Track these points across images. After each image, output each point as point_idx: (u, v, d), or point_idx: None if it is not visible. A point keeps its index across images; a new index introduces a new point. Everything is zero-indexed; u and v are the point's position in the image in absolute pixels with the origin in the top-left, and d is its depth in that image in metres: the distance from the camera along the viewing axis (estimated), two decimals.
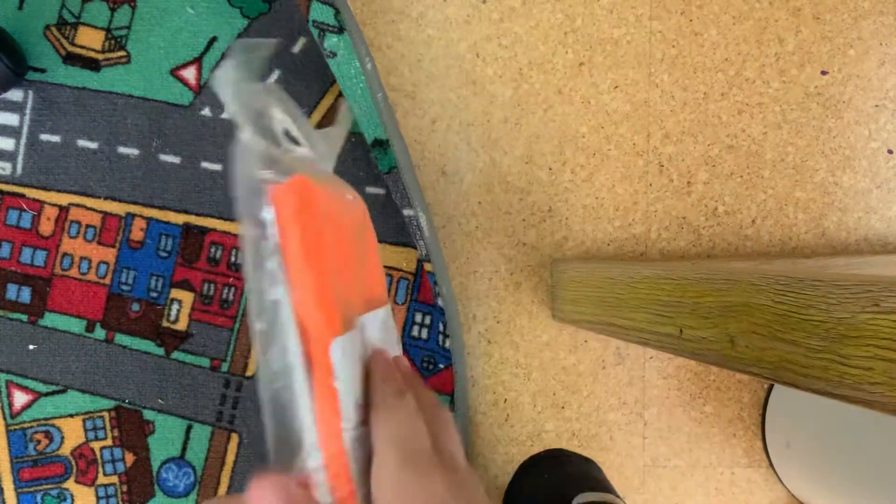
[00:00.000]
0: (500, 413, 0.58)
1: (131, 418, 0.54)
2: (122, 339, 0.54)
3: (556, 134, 0.57)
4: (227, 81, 0.23)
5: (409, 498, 0.23)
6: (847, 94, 0.59)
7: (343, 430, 0.24)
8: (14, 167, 0.53)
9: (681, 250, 0.59)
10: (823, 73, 0.59)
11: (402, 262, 0.55)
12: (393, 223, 0.55)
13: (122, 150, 0.54)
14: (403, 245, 0.55)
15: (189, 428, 0.54)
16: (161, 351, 0.54)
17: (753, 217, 0.59)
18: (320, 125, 0.55)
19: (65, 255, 0.54)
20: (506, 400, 0.58)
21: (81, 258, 0.54)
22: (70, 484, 0.54)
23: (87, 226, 0.54)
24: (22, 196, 0.53)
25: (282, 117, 0.24)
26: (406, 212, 0.52)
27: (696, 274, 0.36)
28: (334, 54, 0.49)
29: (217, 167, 0.54)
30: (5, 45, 0.50)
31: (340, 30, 0.49)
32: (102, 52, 0.54)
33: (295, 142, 0.25)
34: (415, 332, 0.55)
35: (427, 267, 0.53)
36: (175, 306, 0.54)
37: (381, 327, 0.27)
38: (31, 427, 0.54)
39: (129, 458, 0.54)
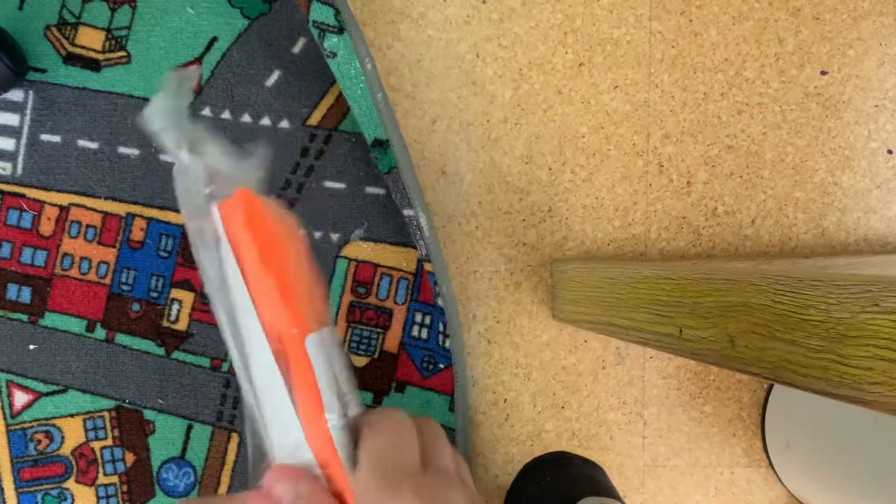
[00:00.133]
0: (500, 413, 0.58)
1: (132, 418, 0.54)
2: (122, 338, 0.54)
3: (556, 134, 0.57)
4: (161, 111, 0.24)
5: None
6: (847, 95, 0.59)
7: (328, 419, 0.24)
8: (14, 167, 0.53)
9: (681, 250, 0.59)
10: (823, 73, 0.59)
11: (402, 262, 0.55)
12: (393, 223, 0.55)
13: (123, 150, 0.54)
14: (403, 245, 0.55)
15: (189, 428, 0.54)
16: (161, 351, 0.54)
17: (753, 217, 0.59)
18: (321, 125, 0.55)
19: (65, 255, 0.54)
20: (506, 400, 0.58)
21: (82, 258, 0.54)
22: (70, 484, 0.54)
23: (88, 226, 0.54)
24: (22, 196, 0.54)
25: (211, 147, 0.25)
26: (406, 212, 0.52)
27: (695, 274, 0.36)
28: (334, 54, 0.49)
29: None
30: (5, 45, 0.50)
31: (340, 30, 0.49)
32: (103, 52, 0.54)
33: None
34: (415, 332, 0.55)
35: (427, 267, 0.53)
36: (175, 306, 0.54)
37: (334, 343, 0.27)
38: (32, 427, 0.54)
39: (130, 457, 0.54)
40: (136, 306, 0.54)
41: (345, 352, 0.26)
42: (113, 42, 0.54)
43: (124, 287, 0.54)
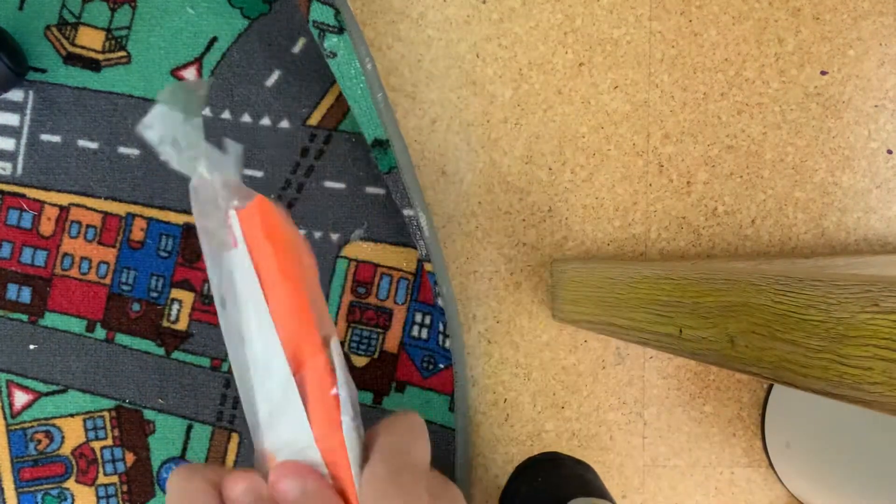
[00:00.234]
0: (500, 413, 0.58)
1: (132, 418, 0.54)
2: (122, 338, 0.54)
3: (556, 134, 0.57)
4: (162, 123, 0.23)
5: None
6: (846, 95, 0.59)
7: (343, 420, 0.24)
8: (14, 167, 0.53)
9: (680, 250, 0.59)
10: (823, 73, 0.59)
11: (402, 262, 0.55)
12: (393, 223, 0.55)
13: (123, 150, 0.54)
14: (403, 245, 0.55)
15: (189, 428, 0.54)
16: (161, 351, 0.54)
17: (753, 217, 0.59)
18: (321, 125, 0.55)
19: (65, 255, 0.54)
20: (506, 400, 0.58)
21: (82, 258, 0.54)
22: (70, 484, 0.54)
23: (88, 226, 0.54)
24: (22, 196, 0.54)
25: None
26: (406, 212, 0.52)
27: (695, 274, 0.36)
28: (334, 54, 0.49)
29: None
30: (6, 45, 0.50)
31: (340, 30, 0.49)
32: (103, 52, 0.54)
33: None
34: (415, 332, 0.55)
35: (427, 267, 0.53)
36: (175, 306, 0.54)
37: (340, 358, 0.27)
38: (32, 427, 0.54)
39: (130, 457, 0.54)
40: (136, 306, 0.54)
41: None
42: (113, 42, 0.54)
43: (124, 287, 0.54)
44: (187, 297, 0.54)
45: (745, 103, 0.59)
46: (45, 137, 0.54)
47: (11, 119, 0.53)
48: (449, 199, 0.57)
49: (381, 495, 0.23)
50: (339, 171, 0.55)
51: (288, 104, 0.55)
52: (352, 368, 0.55)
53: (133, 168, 0.54)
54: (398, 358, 0.55)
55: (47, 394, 0.54)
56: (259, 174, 0.54)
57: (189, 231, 0.54)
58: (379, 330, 0.55)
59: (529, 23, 0.57)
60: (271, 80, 0.54)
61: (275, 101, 0.54)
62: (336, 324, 0.55)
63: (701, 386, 0.59)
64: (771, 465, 0.59)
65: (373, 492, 0.24)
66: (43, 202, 0.54)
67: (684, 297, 0.36)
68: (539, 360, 0.58)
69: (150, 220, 0.54)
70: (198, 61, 0.54)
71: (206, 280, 0.54)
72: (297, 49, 0.54)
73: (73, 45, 0.53)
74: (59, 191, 0.54)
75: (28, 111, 0.53)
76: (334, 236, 0.55)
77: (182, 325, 0.54)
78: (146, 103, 0.54)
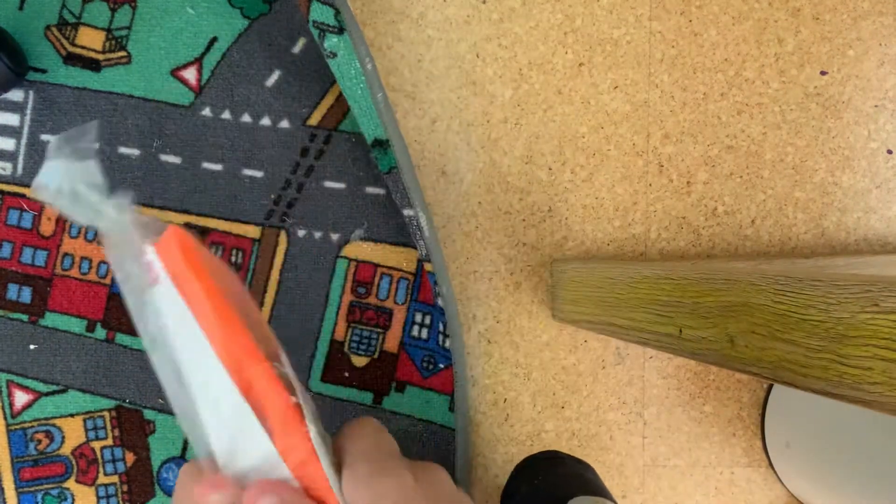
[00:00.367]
0: (500, 413, 0.58)
1: (132, 418, 0.54)
2: (122, 338, 0.54)
3: (556, 134, 0.57)
4: (57, 177, 0.23)
5: (383, 494, 0.24)
6: (846, 95, 0.59)
7: (309, 430, 0.24)
8: (15, 167, 0.53)
9: (680, 250, 0.59)
10: (823, 73, 0.59)
11: (402, 262, 0.55)
12: (393, 223, 0.55)
13: (123, 150, 0.54)
14: (403, 245, 0.55)
15: None
16: None
17: (753, 217, 0.59)
18: (321, 125, 0.55)
19: (65, 255, 0.54)
20: (506, 400, 0.58)
21: (82, 258, 0.54)
22: (70, 483, 0.54)
23: (88, 226, 0.54)
24: (23, 196, 0.54)
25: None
26: (406, 212, 0.52)
27: (695, 274, 0.36)
28: (334, 55, 0.49)
29: (217, 167, 0.54)
30: (6, 45, 0.50)
31: (340, 30, 0.49)
32: (103, 52, 0.54)
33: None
34: (415, 332, 0.55)
35: (427, 267, 0.53)
36: None
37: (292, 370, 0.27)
38: (32, 427, 0.54)
39: (130, 457, 0.54)
40: None
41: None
42: (113, 42, 0.54)
43: None
44: None
45: (745, 103, 0.59)
46: (45, 137, 0.54)
47: (11, 119, 0.53)
48: (449, 199, 0.57)
49: (367, 485, 0.24)
50: (339, 171, 0.55)
51: (288, 104, 0.55)
52: (352, 368, 0.55)
53: (133, 168, 0.54)
54: (398, 358, 0.55)
55: (47, 394, 0.54)
56: (259, 174, 0.55)
57: (189, 231, 0.54)
58: (379, 330, 0.55)
59: (529, 23, 0.57)
60: (271, 80, 0.54)
61: (275, 101, 0.54)
62: (336, 324, 0.55)
63: (701, 386, 0.59)
64: (771, 465, 0.59)
65: (360, 487, 0.24)
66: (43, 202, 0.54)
67: (684, 297, 0.36)
68: (539, 360, 0.58)
69: None
70: (198, 61, 0.54)
71: None
72: (297, 49, 0.54)
73: (74, 45, 0.53)
74: None
75: (28, 111, 0.54)
76: (334, 236, 0.55)
77: None
78: (146, 103, 0.54)
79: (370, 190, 0.55)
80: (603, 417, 0.59)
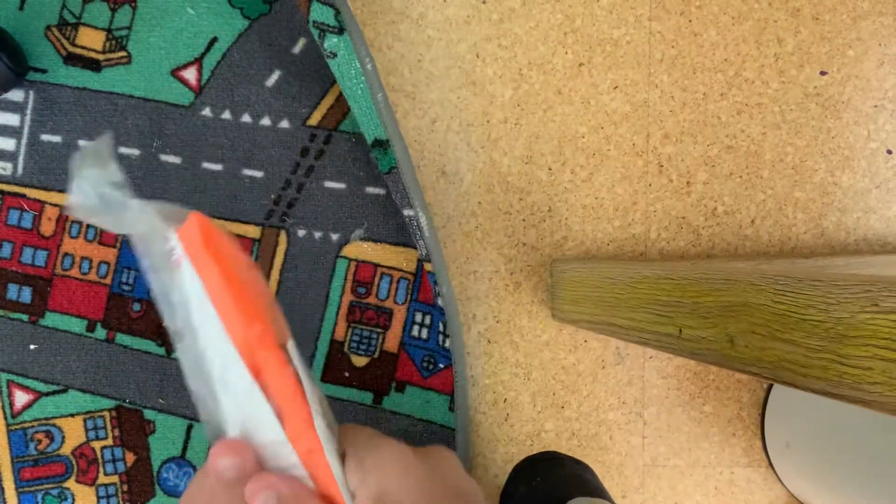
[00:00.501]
0: (500, 413, 0.58)
1: (132, 418, 0.54)
2: (122, 338, 0.54)
3: (556, 134, 0.57)
4: (86, 191, 0.24)
5: (389, 464, 0.24)
6: (846, 95, 0.60)
7: (314, 419, 0.25)
8: (15, 167, 0.54)
9: (680, 250, 0.59)
10: (822, 73, 0.59)
11: (402, 262, 0.55)
12: (393, 223, 0.55)
13: (123, 150, 0.54)
14: (403, 245, 0.55)
15: (190, 427, 0.55)
16: (162, 350, 0.54)
17: (753, 217, 0.59)
18: (321, 125, 0.55)
19: (66, 255, 0.54)
20: (505, 399, 0.58)
21: (82, 258, 0.54)
22: (71, 483, 0.54)
23: (88, 226, 0.54)
24: (23, 196, 0.54)
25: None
26: (406, 212, 0.52)
27: (695, 274, 0.36)
28: (334, 55, 0.49)
29: (218, 167, 0.54)
30: (6, 45, 0.50)
31: (341, 30, 0.49)
32: (103, 52, 0.54)
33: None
34: (415, 332, 0.55)
35: (427, 267, 0.53)
36: None
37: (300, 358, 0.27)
38: (32, 427, 0.54)
39: (130, 457, 0.54)
40: (136, 306, 0.54)
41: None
42: (113, 42, 0.54)
43: (125, 287, 0.54)
44: None
45: (745, 103, 0.59)
46: (45, 137, 0.54)
47: (12, 119, 0.53)
48: (449, 199, 0.57)
49: (366, 469, 0.25)
50: (339, 171, 0.55)
51: (288, 104, 0.55)
52: (352, 368, 0.55)
53: (133, 168, 0.54)
54: (398, 358, 0.55)
55: (48, 394, 0.54)
56: (259, 174, 0.55)
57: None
58: (379, 330, 0.55)
59: (529, 23, 0.57)
60: (271, 80, 0.54)
61: (275, 101, 0.54)
62: (336, 323, 0.55)
63: (701, 386, 0.59)
64: (771, 464, 0.59)
65: (362, 472, 0.24)
66: (43, 202, 0.54)
67: (684, 297, 0.36)
68: (539, 359, 0.58)
69: None
70: (198, 61, 0.54)
71: None
72: (297, 49, 0.54)
73: (74, 45, 0.53)
74: (59, 191, 0.54)
75: (28, 111, 0.54)
76: (334, 236, 0.55)
77: None
78: (146, 103, 0.54)
79: (370, 190, 0.55)
80: (603, 417, 0.59)
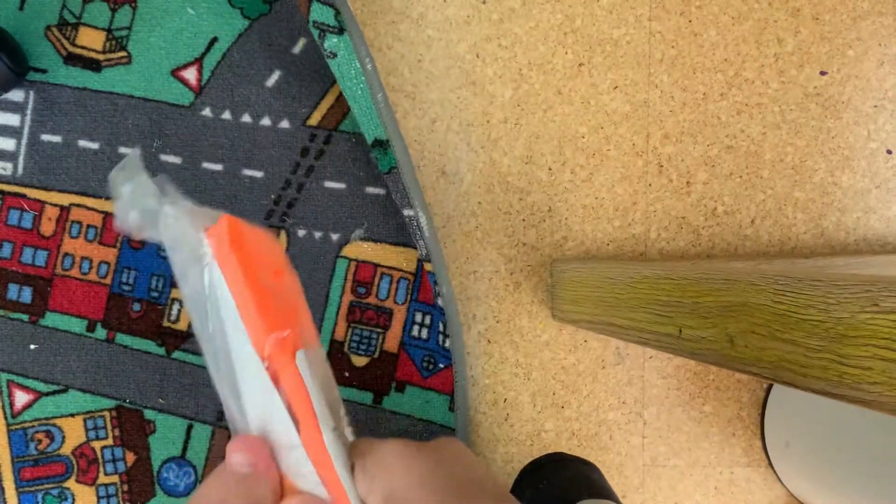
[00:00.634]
0: (500, 412, 0.58)
1: (132, 418, 0.54)
2: (122, 338, 0.54)
3: (556, 134, 0.57)
4: (131, 194, 0.25)
5: (391, 462, 0.25)
6: (846, 95, 0.60)
7: (322, 431, 0.25)
8: (15, 167, 0.54)
9: (680, 250, 0.59)
10: (822, 73, 0.59)
11: (402, 262, 0.55)
12: (393, 223, 0.55)
13: (123, 150, 0.54)
14: (403, 245, 0.55)
15: (190, 427, 0.55)
16: (162, 350, 0.54)
17: (752, 217, 0.59)
18: (321, 125, 0.55)
19: (66, 255, 0.54)
20: (505, 399, 0.58)
21: (82, 258, 0.54)
22: (71, 483, 0.54)
23: (88, 226, 0.54)
24: (23, 196, 0.54)
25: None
26: (406, 212, 0.52)
27: (695, 274, 0.36)
28: (334, 55, 0.49)
29: (218, 167, 0.54)
30: (6, 45, 0.50)
31: (341, 30, 0.49)
32: (103, 52, 0.54)
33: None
34: (415, 332, 0.55)
35: (427, 267, 0.53)
36: (176, 306, 0.54)
37: (324, 364, 0.27)
38: (32, 427, 0.54)
39: (130, 457, 0.54)
40: (136, 306, 0.54)
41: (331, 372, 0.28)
42: (113, 42, 0.54)
43: (125, 287, 0.54)
44: None
45: (745, 103, 0.59)
46: (45, 137, 0.54)
47: (12, 119, 0.53)
48: (449, 199, 0.57)
49: (370, 473, 0.25)
50: (339, 171, 0.55)
51: (288, 104, 0.55)
52: (352, 368, 0.55)
53: None
54: (398, 358, 0.55)
55: (48, 394, 0.54)
56: (259, 174, 0.55)
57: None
58: (379, 330, 0.55)
59: (529, 23, 0.57)
60: (271, 81, 0.54)
61: (275, 101, 0.54)
62: (336, 323, 0.55)
63: (700, 386, 0.59)
64: (770, 464, 0.59)
65: (369, 478, 0.24)
66: (43, 202, 0.54)
67: (684, 297, 0.36)
68: (539, 359, 0.58)
69: None
70: (198, 61, 0.54)
71: None
72: (297, 49, 0.54)
73: (74, 45, 0.53)
74: (59, 191, 0.54)
75: (28, 111, 0.54)
76: (334, 236, 0.55)
77: (182, 325, 0.54)
78: (146, 103, 0.54)
79: (370, 190, 0.55)
80: (603, 417, 0.59)
